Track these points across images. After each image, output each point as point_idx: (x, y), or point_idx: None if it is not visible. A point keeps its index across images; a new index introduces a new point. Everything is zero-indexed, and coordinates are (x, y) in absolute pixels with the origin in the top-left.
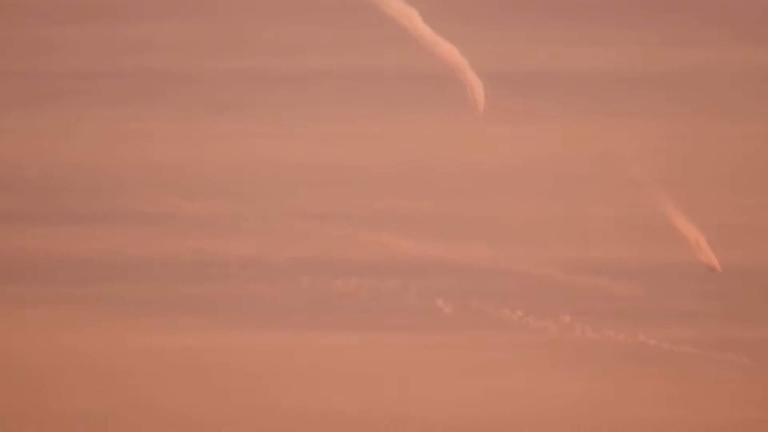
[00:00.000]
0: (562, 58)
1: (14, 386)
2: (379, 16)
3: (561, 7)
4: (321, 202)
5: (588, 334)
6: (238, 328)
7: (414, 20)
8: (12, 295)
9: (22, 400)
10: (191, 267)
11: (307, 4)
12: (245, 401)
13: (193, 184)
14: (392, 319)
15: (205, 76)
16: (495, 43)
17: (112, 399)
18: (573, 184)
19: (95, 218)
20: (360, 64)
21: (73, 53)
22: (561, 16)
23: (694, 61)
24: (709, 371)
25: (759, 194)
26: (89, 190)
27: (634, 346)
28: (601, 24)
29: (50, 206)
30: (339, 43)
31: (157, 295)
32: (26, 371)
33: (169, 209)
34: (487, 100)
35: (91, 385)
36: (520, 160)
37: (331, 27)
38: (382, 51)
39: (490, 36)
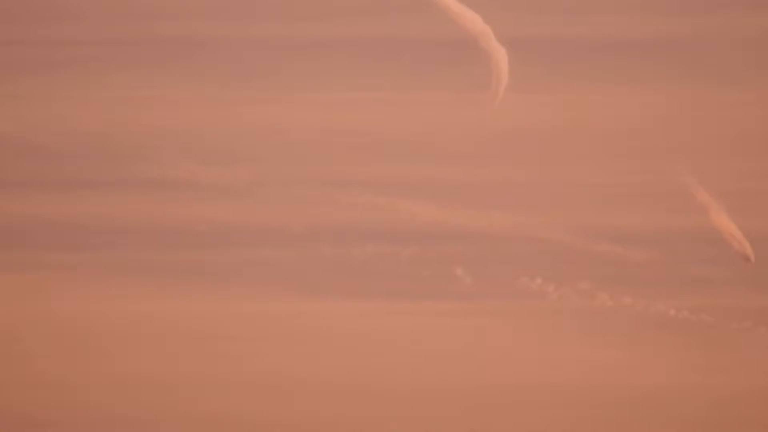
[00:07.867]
0: (573, 26)
1: (11, 352)
2: None
3: None
4: (339, 170)
5: (606, 302)
6: (255, 296)
7: None
8: (27, 262)
9: (21, 366)
10: (208, 233)
11: None
12: (262, 368)
13: (209, 151)
14: (410, 287)
15: (220, 42)
16: (507, 11)
17: (131, 365)
18: (589, 152)
19: (111, 184)
20: (378, 30)
21: (88, 20)
22: None
23: (703, 28)
24: (726, 339)
25: None
26: (105, 157)
27: (652, 314)
28: None
29: (65, 173)
30: (357, 9)
31: (173, 262)
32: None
33: (186, 176)
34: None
35: (104, 351)
36: (537, 128)
37: None
38: (401, 17)
39: (503, 3)
